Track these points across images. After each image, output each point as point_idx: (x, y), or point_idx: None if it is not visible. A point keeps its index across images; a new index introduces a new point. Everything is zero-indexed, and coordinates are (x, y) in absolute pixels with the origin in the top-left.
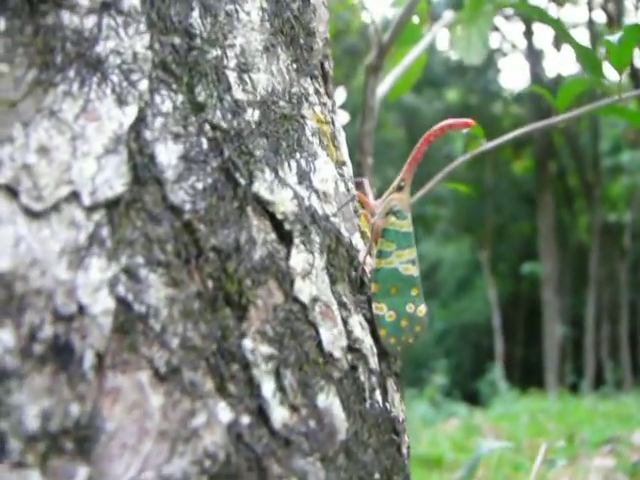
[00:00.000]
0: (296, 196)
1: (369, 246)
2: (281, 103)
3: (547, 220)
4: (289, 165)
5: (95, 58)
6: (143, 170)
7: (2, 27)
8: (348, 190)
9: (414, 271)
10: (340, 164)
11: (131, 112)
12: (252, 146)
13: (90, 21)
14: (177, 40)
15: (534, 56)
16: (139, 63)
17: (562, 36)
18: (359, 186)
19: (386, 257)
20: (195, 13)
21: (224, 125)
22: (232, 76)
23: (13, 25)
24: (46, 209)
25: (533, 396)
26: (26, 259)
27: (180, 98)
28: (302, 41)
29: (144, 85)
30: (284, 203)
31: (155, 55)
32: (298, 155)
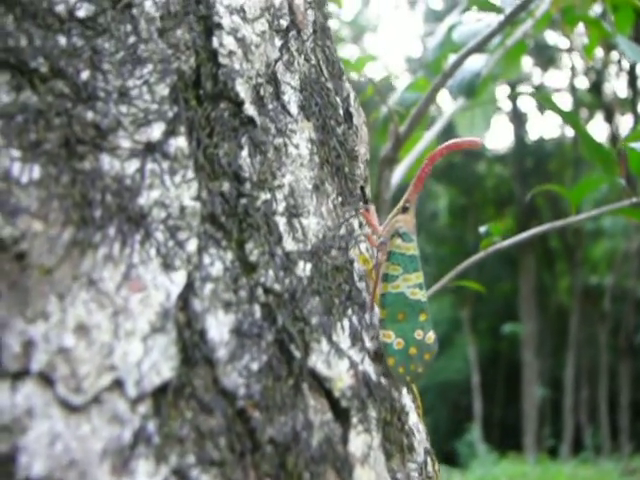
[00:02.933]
0: (352, 365)
1: (377, 271)
2: (332, 252)
3: (528, 281)
4: (342, 326)
5: (138, 212)
6: (193, 349)
7: (36, 176)
8: None
9: (421, 296)
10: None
11: (179, 279)
12: (306, 310)
13: (132, 166)
14: (226, 186)
15: (518, 118)
16: (187, 219)
17: (575, 129)
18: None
19: (392, 281)
20: (244, 152)
21: (277, 288)
22: (282, 223)
23: (48, 173)
24: (86, 402)
25: (512, 460)
26: (63, 461)
27: (230, 256)
28: (347, 169)
29: (193, 246)
30: (341, 377)
31: (203, 207)
32: (350, 311)
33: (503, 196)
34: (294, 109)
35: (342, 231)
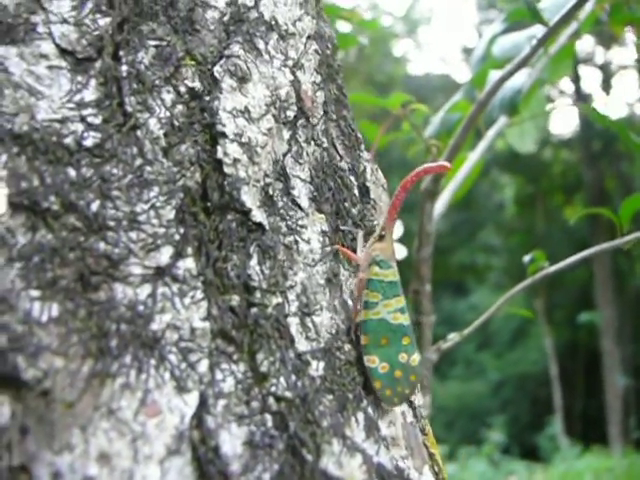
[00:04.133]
0: (365, 460)
1: (356, 299)
2: (346, 347)
3: (604, 266)
4: (356, 419)
5: (151, 337)
6: (208, 465)
7: (55, 314)
8: (416, 419)
9: (403, 320)
10: None
11: (192, 400)
12: (318, 412)
13: (144, 292)
14: (236, 299)
15: (582, 100)
16: (197, 340)
17: (624, 139)
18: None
19: (372, 308)
20: (253, 261)
21: (288, 395)
22: (294, 324)
23: (66, 309)
24: None
25: (596, 453)
26: None
27: (242, 368)
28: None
29: (204, 366)
30: (353, 476)
31: (214, 324)
32: (365, 402)
33: (571, 182)
34: (305, 202)
35: (358, 320)
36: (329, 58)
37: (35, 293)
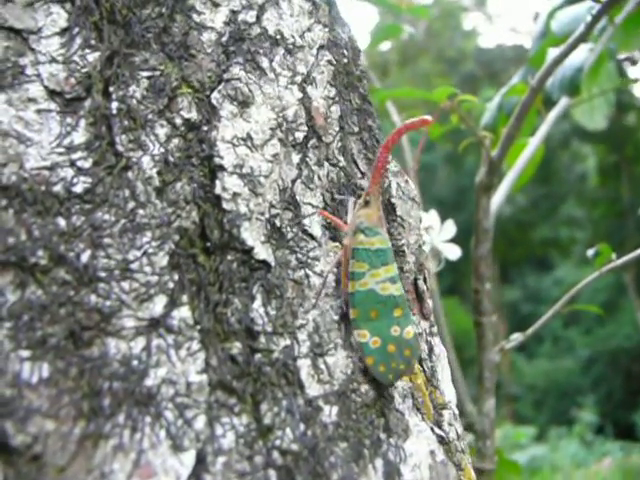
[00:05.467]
0: None
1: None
2: (362, 388)
3: None
4: (374, 467)
5: (146, 393)
6: None
7: (45, 374)
8: (449, 456)
9: (394, 290)
10: (440, 407)
11: (188, 460)
12: (328, 463)
13: (138, 345)
14: (237, 346)
15: None
16: (193, 395)
17: None
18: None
19: (359, 279)
20: (257, 303)
21: (295, 447)
22: (305, 367)
23: (57, 369)
24: None
25: None
26: None
27: (244, 420)
28: None
29: (201, 422)
30: None
31: (213, 374)
32: (385, 447)
33: None
34: (317, 231)
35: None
36: (348, 66)
37: (25, 353)
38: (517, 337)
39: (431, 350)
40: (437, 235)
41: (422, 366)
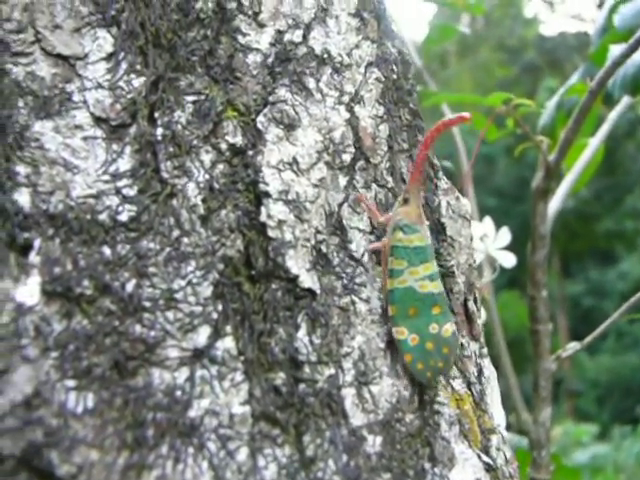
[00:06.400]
0: None
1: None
2: (407, 418)
3: None
4: None
5: (189, 424)
6: None
7: (90, 404)
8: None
9: (433, 287)
10: (488, 432)
11: None
12: None
13: (182, 375)
14: (281, 377)
15: None
16: (236, 427)
17: None
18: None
19: (398, 276)
20: (301, 332)
21: (337, 479)
22: (349, 396)
23: (102, 399)
24: None
25: None
26: None
27: (287, 451)
28: None
29: (243, 454)
30: None
31: (257, 405)
32: (429, 477)
33: None
34: (364, 256)
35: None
36: (398, 81)
37: (70, 383)
38: (574, 346)
39: (480, 372)
40: (492, 243)
41: (470, 390)
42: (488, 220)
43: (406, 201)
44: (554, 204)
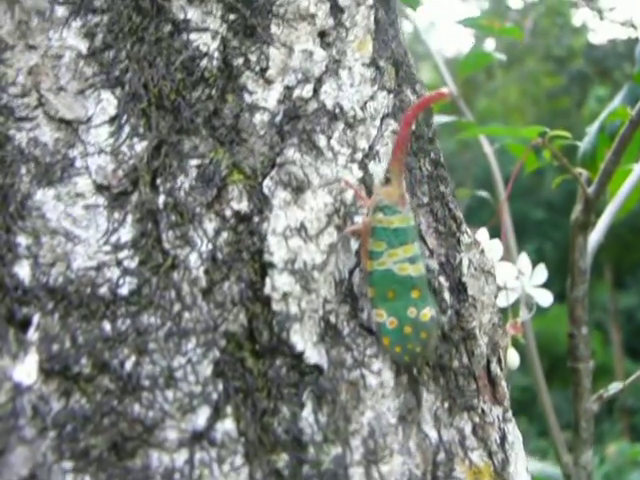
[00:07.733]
0: None
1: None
2: None
3: None
4: None
5: None
6: None
7: None
8: None
9: (412, 270)
10: None
11: None
12: None
13: (181, 457)
14: (284, 459)
15: None
16: None
17: None
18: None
19: (377, 258)
20: (306, 410)
21: None
22: (356, 476)
23: None
24: None
25: None
26: None
27: None
28: (456, 362)
29: None
30: None
31: None
32: None
33: None
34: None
35: (441, 454)
36: (417, 129)
37: (67, 465)
38: (616, 386)
39: (504, 439)
40: (528, 280)
41: (491, 459)
42: (524, 256)
43: (387, 181)
44: (594, 236)
